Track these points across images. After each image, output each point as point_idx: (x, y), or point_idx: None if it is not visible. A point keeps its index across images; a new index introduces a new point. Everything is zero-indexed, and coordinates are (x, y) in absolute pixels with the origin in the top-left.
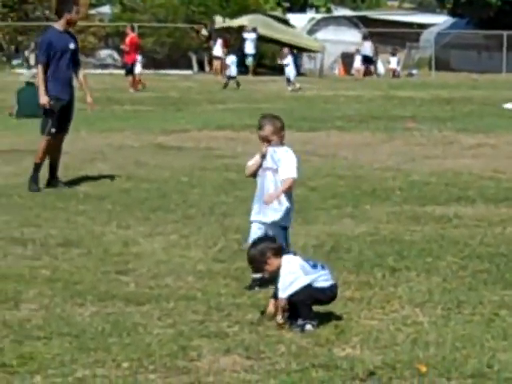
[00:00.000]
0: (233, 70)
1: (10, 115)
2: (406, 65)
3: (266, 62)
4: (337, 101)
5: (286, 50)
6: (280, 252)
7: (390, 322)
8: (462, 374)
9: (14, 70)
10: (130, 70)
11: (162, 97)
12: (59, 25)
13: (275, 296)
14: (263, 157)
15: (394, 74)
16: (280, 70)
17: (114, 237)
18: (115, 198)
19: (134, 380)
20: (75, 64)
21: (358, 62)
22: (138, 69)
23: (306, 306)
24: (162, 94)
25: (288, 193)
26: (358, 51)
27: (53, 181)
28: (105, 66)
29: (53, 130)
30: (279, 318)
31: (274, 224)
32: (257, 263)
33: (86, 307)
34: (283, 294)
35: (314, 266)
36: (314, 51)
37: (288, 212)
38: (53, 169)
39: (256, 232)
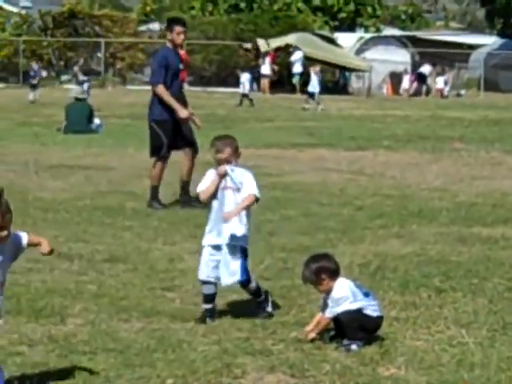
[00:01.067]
0: (246, 88)
1: (57, 130)
2: (454, 85)
3: None
4: (384, 120)
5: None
6: (336, 274)
7: (435, 342)
8: None
9: (62, 86)
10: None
11: (210, 114)
12: (169, 43)
13: (322, 311)
14: (223, 177)
15: (442, 94)
16: (328, 89)
17: (160, 253)
18: (162, 215)
19: None
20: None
21: (406, 82)
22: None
23: (353, 328)
24: (209, 112)
25: (247, 211)
26: (406, 71)
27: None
28: None
29: (165, 153)
30: (311, 334)
31: (232, 245)
32: (310, 282)
33: (132, 323)
34: (329, 314)
35: (366, 295)
36: (361, 71)
37: (248, 231)
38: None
39: (208, 261)
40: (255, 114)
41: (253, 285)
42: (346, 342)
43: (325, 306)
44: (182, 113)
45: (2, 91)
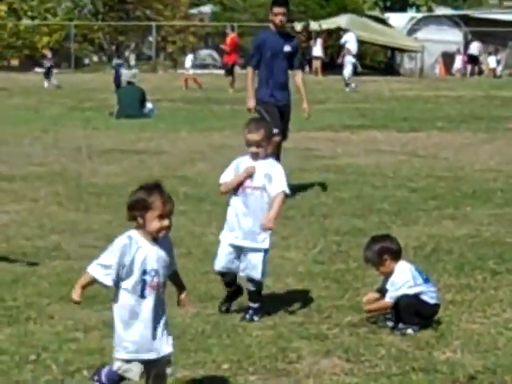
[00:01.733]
0: None
1: (110, 115)
2: (508, 64)
3: (367, 62)
4: (437, 101)
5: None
6: (398, 256)
7: (491, 325)
8: None
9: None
10: (230, 71)
11: None
12: (271, 25)
13: (378, 291)
14: (249, 175)
15: (495, 73)
16: (380, 71)
17: (214, 237)
18: (215, 199)
19: (233, 381)
20: (292, 67)
21: (458, 62)
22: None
23: (410, 313)
24: None
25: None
26: (458, 51)
27: None
28: (204, 66)
29: (276, 131)
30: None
31: (255, 248)
32: (372, 263)
33: (187, 308)
34: (390, 299)
35: (426, 280)
36: (413, 51)
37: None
38: None
39: (227, 255)
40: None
41: (260, 288)
42: (401, 325)
43: (383, 288)
44: (249, 103)
45: (55, 76)
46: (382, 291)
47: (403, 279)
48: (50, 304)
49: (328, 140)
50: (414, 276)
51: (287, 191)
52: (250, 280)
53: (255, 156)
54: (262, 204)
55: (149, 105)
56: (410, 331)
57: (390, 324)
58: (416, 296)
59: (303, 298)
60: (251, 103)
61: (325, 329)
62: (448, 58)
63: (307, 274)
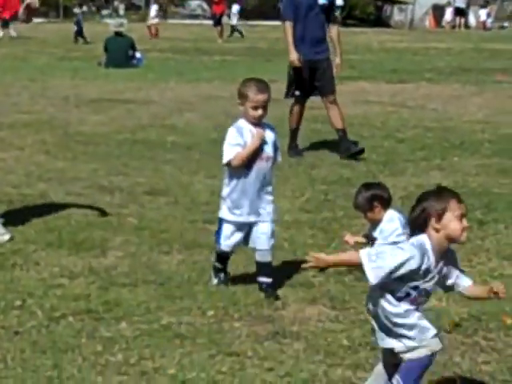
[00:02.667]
0: (234, 20)
1: (98, 65)
2: (497, 17)
3: (356, 13)
4: (427, 53)
5: None
6: (388, 204)
7: (476, 274)
8: None
9: (103, 20)
10: (218, 21)
11: (251, 47)
12: None
13: (365, 236)
14: (261, 140)
15: (485, 26)
16: (369, 22)
17: (202, 186)
18: (203, 148)
19: (219, 328)
20: (328, 20)
21: (448, 15)
22: (233, 21)
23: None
24: (250, 45)
25: (271, 174)
26: (449, 3)
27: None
28: (194, 17)
29: (296, 93)
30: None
31: (265, 220)
32: (362, 209)
33: (173, 255)
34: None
35: None
36: (404, 3)
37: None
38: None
39: (232, 235)
40: None
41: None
42: None
43: (370, 235)
44: (291, 55)
45: (43, 26)
46: (369, 238)
47: (392, 227)
48: (36, 251)
49: None
50: (402, 224)
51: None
52: (260, 252)
53: (259, 119)
54: (271, 175)
55: (137, 54)
56: None
57: None
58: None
59: (290, 246)
60: (293, 55)
61: (311, 276)
62: (438, 10)
63: (294, 223)
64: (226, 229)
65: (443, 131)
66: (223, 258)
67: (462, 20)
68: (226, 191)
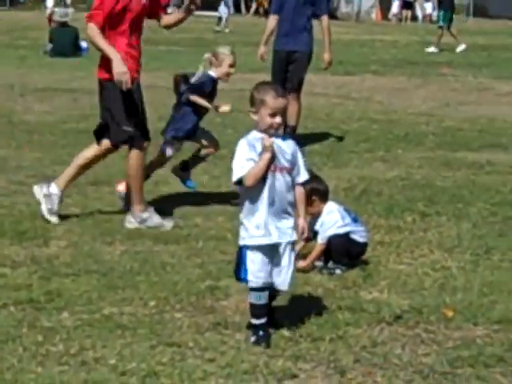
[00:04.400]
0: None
1: (44, 53)
2: None
3: None
4: (373, 45)
5: None
6: (326, 197)
7: (418, 266)
8: (489, 320)
9: (48, 9)
10: None
11: (197, 38)
12: None
13: (307, 240)
14: (271, 149)
15: (431, 19)
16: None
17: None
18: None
19: (160, 318)
20: (316, 14)
21: (395, 7)
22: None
23: (340, 252)
24: (196, 36)
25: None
26: None
27: None
28: None
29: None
30: (302, 264)
31: (291, 242)
32: None
33: (115, 245)
34: (322, 240)
35: (355, 220)
36: None
37: None
38: None
39: (264, 264)
40: (243, 38)
41: None
42: (331, 265)
43: (310, 230)
44: (259, 49)
45: None
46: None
47: (332, 219)
48: None
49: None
50: (342, 216)
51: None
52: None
53: (279, 127)
54: (287, 189)
55: (83, 44)
56: (338, 271)
57: (319, 264)
58: (346, 235)
59: (233, 236)
60: (260, 49)
61: None
62: (385, 3)
63: (237, 214)
64: (251, 258)
65: (388, 123)
66: (262, 303)
67: (409, 13)
68: (243, 214)
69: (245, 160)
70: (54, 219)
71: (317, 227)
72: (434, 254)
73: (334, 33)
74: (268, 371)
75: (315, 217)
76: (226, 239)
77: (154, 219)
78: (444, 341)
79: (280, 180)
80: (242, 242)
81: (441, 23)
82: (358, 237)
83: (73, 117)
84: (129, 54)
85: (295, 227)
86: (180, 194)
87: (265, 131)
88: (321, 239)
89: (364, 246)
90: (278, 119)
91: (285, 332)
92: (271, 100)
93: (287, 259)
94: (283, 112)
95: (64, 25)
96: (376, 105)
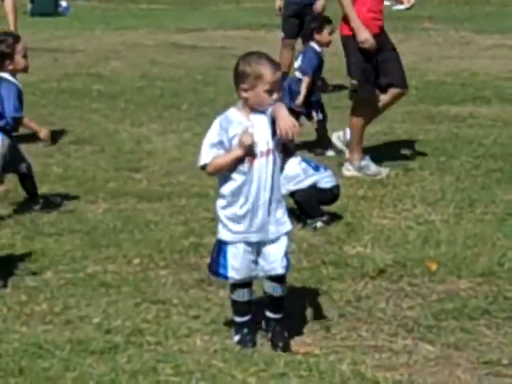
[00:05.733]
0: None
1: (24, 13)
2: None
3: None
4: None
5: None
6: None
7: (401, 220)
8: (473, 272)
9: None
10: None
11: None
12: None
13: None
14: (248, 146)
15: None
16: None
17: (127, 135)
18: (129, 96)
19: (144, 276)
20: None
21: None
22: None
23: (312, 206)
24: None
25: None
26: None
27: None
28: None
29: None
30: None
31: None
32: None
33: (98, 204)
34: (283, 191)
35: (316, 168)
36: None
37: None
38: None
39: (244, 259)
40: None
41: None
42: (309, 221)
43: None
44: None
45: None
46: None
47: (294, 172)
48: None
49: (244, 38)
50: (303, 169)
51: None
52: (272, 279)
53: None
54: (273, 173)
55: (63, 3)
56: (319, 224)
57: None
58: (312, 187)
59: (216, 193)
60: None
61: None
62: None
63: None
64: (230, 253)
65: None
66: (242, 300)
67: None
68: (220, 203)
69: (209, 145)
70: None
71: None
72: (417, 208)
73: None
74: (253, 327)
75: None
76: (209, 196)
77: (372, 167)
78: (428, 294)
79: (262, 166)
80: (220, 236)
81: None
82: (324, 183)
83: (53, 76)
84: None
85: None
86: (162, 152)
87: (254, 109)
88: (284, 189)
89: (333, 189)
90: (275, 96)
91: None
92: (269, 74)
93: (277, 248)
94: (280, 87)
95: None
96: None
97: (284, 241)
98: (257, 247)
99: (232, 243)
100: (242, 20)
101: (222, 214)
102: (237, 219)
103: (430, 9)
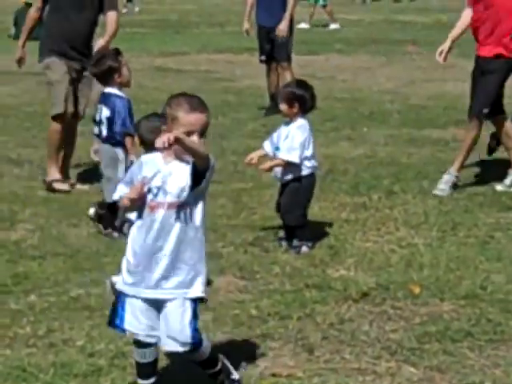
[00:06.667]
0: None
1: (8, 37)
2: None
3: None
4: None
5: None
6: (307, 111)
7: (384, 243)
8: (456, 295)
9: None
10: None
11: (161, 19)
12: None
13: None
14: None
15: None
16: None
17: None
18: None
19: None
20: None
21: None
22: None
23: (303, 230)
24: (161, 17)
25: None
26: None
27: None
28: None
29: (262, 58)
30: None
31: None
32: (283, 100)
33: (81, 228)
34: (283, 157)
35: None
36: None
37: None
38: None
39: (138, 316)
40: (207, 19)
41: (204, 349)
42: (296, 242)
43: (271, 143)
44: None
45: None
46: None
47: (302, 139)
48: None
49: (227, 62)
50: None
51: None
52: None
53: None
54: (179, 237)
55: None
56: (304, 249)
57: (284, 244)
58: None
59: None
60: (244, 25)
61: (220, 247)
62: None
63: None
64: (129, 303)
65: (353, 102)
66: (144, 360)
67: None
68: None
69: (122, 181)
70: None
71: (281, 136)
72: (400, 231)
73: (298, 13)
74: (236, 351)
75: (286, 123)
76: None
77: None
78: (411, 317)
79: (167, 218)
80: (117, 285)
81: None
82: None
83: (37, 100)
84: None
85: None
86: None
87: (179, 157)
88: (283, 155)
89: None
90: (195, 139)
91: (252, 311)
92: (184, 116)
93: (171, 319)
94: (202, 129)
95: (28, 5)
96: (341, 83)
97: (188, 307)
98: (156, 305)
99: (128, 296)
100: (225, 44)
101: (124, 259)
102: (130, 269)
103: (413, 33)
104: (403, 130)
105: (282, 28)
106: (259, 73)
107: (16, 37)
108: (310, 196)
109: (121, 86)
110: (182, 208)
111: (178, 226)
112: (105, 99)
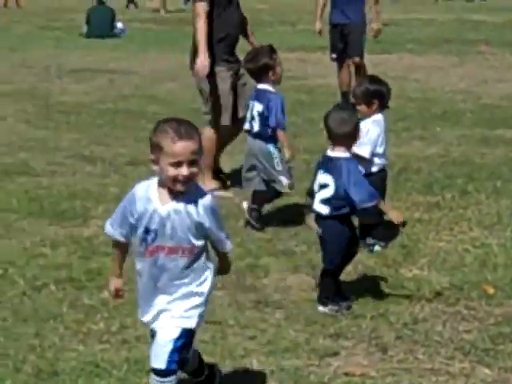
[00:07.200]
0: None
1: (80, 35)
2: None
3: None
4: (409, 24)
5: None
6: (383, 108)
7: (458, 243)
8: None
9: None
10: None
11: None
12: None
13: None
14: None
15: None
16: None
17: None
18: (185, 117)
19: None
20: None
21: None
22: None
23: (378, 229)
24: None
25: (206, 262)
26: None
27: None
28: None
29: (333, 56)
30: None
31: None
32: (361, 97)
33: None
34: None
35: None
36: None
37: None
38: None
39: None
40: (280, 18)
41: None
42: (369, 240)
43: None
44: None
45: None
46: None
47: (375, 135)
48: (18, 220)
49: (300, 60)
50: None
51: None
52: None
53: (185, 182)
54: (175, 274)
55: (119, 25)
56: (377, 248)
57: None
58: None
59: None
60: (316, 25)
61: (293, 245)
62: None
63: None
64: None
65: (425, 102)
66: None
67: None
68: None
69: (112, 221)
70: None
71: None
72: (474, 231)
73: (370, 12)
74: (309, 348)
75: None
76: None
77: None
78: (485, 317)
79: (166, 263)
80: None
81: None
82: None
83: (109, 97)
84: None
85: None
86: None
87: (168, 186)
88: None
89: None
90: (184, 170)
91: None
92: (169, 145)
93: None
94: (192, 158)
95: (101, 3)
96: (413, 83)
97: (175, 331)
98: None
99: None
100: (297, 42)
101: None
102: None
103: (486, 32)
104: (476, 130)
105: (377, 28)
106: (331, 71)
107: (88, 35)
108: (382, 193)
109: (274, 82)
110: (181, 253)
111: (177, 270)
112: (258, 95)
